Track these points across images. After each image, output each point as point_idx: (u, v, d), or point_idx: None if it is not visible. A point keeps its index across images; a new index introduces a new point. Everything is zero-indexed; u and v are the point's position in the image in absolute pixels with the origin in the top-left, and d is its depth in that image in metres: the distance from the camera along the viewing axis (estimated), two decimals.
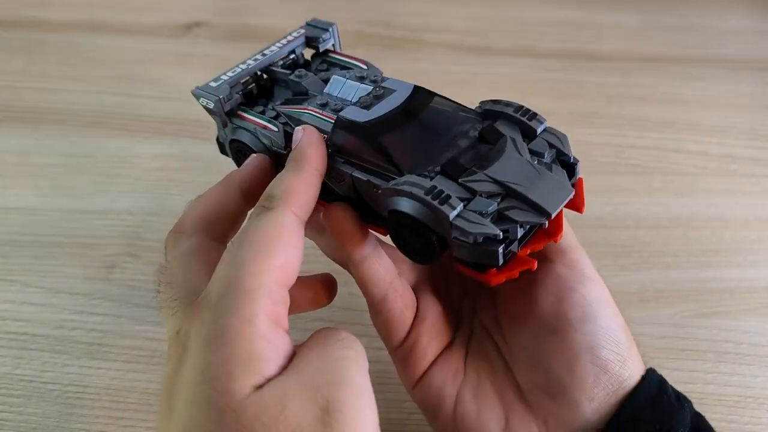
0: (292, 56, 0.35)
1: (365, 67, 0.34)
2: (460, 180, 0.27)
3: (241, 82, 0.33)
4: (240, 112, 0.32)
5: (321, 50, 0.36)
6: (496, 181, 0.26)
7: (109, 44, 0.65)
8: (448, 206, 0.25)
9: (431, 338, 0.32)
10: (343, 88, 0.31)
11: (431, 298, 0.33)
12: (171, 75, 0.61)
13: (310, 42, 0.36)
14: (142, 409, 0.38)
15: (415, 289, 0.33)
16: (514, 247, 0.27)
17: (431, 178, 0.27)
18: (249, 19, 0.69)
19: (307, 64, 0.36)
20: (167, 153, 0.53)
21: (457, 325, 0.34)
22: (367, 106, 0.29)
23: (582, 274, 0.30)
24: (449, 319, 0.33)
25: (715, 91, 0.62)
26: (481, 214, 0.25)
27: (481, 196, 0.26)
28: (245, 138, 0.32)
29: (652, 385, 0.28)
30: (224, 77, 0.33)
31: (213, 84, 0.32)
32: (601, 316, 0.28)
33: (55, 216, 0.48)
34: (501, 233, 0.25)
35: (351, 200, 0.30)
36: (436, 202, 0.25)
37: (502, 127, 0.29)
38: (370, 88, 0.31)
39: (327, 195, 0.30)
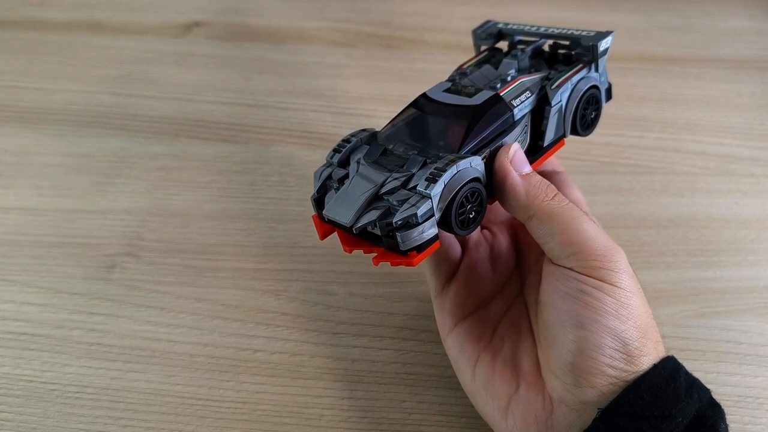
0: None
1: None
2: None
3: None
4: None
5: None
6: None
7: (109, 44, 0.65)
8: None
9: (469, 296, 0.37)
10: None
11: (486, 261, 0.38)
12: (171, 75, 0.61)
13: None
14: (142, 409, 0.38)
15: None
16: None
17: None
18: (249, 19, 0.69)
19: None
20: (166, 153, 0.53)
21: (499, 293, 0.38)
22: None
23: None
24: (493, 286, 0.38)
25: (715, 91, 0.62)
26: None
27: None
28: None
29: (662, 373, 0.29)
30: None
31: None
32: (610, 317, 0.29)
33: (54, 216, 0.49)
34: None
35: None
36: None
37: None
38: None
39: None
